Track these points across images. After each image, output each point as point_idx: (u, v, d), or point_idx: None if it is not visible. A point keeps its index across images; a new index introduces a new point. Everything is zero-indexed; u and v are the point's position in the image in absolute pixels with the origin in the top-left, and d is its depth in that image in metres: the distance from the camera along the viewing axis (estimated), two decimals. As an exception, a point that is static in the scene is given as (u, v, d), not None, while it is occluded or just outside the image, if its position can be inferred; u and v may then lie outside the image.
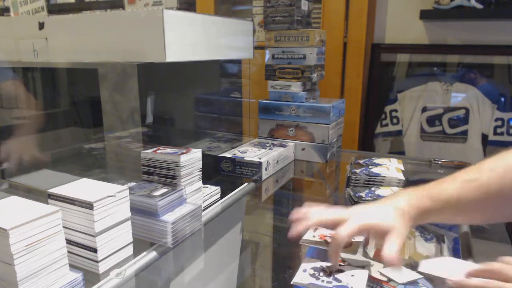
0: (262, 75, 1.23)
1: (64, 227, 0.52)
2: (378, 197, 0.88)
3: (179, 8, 1.82)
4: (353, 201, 0.88)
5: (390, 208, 0.60)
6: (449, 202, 0.60)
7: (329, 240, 0.74)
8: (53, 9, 2.22)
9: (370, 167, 1.06)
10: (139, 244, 0.65)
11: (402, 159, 1.16)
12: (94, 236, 0.57)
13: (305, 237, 0.74)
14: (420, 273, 0.62)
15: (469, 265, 0.58)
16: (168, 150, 0.75)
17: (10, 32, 0.91)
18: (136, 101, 0.78)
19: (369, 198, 0.88)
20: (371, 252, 0.74)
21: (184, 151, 0.74)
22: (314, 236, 0.75)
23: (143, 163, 0.75)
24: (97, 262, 0.58)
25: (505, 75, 1.51)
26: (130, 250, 0.63)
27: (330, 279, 0.60)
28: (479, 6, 1.36)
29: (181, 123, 1.02)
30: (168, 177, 0.73)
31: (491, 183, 0.58)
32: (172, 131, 0.98)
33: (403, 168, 1.06)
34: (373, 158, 1.15)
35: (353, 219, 0.60)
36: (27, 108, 1.02)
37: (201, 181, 0.77)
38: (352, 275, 0.61)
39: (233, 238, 0.86)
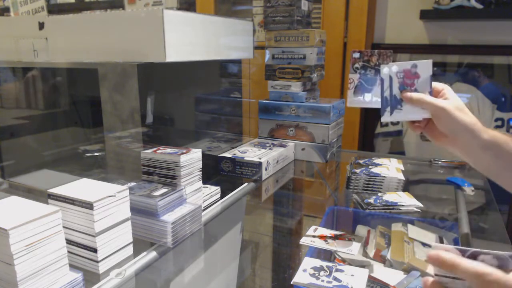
0: (262, 75, 1.23)
1: (64, 227, 0.52)
2: (387, 202, 0.88)
3: (179, 8, 1.82)
4: (363, 207, 0.88)
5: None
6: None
7: (329, 240, 0.74)
8: (53, 9, 2.22)
9: (370, 167, 1.06)
10: (139, 244, 0.65)
11: (402, 159, 1.16)
12: (94, 236, 0.57)
13: (305, 237, 0.74)
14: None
15: None
16: (168, 150, 0.75)
17: (10, 32, 0.91)
18: (136, 101, 0.78)
19: (378, 204, 0.88)
20: (371, 252, 0.74)
21: (184, 151, 0.74)
22: (314, 236, 0.75)
23: (143, 163, 0.75)
24: (97, 262, 0.58)
25: (505, 75, 1.51)
26: (130, 250, 0.63)
27: (330, 278, 0.60)
28: (479, 6, 1.36)
29: (181, 123, 1.02)
30: (168, 177, 0.73)
31: None
32: (172, 131, 0.98)
33: (403, 168, 1.06)
34: (373, 158, 1.15)
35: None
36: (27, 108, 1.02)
37: (201, 181, 0.77)
38: (352, 275, 0.61)
39: (233, 238, 0.86)
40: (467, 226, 0.79)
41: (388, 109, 0.68)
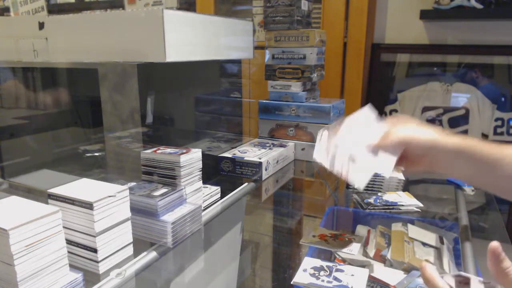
0: (262, 75, 1.23)
1: (64, 227, 0.52)
2: (387, 202, 0.88)
3: (179, 8, 1.82)
4: (363, 207, 0.88)
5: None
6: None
7: (329, 240, 0.74)
8: (53, 9, 2.22)
9: (370, 167, 1.06)
10: (139, 244, 0.65)
11: (402, 159, 1.16)
12: (94, 236, 0.57)
13: (305, 237, 0.74)
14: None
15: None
16: (168, 150, 0.75)
17: (10, 32, 0.91)
18: (136, 101, 0.78)
19: (378, 204, 0.88)
20: (371, 252, 0.74)
21: (184, 151, 0.74)
22: (314, 236, 0.75)
23: (143, 163, 0.75)
24: (97, 262, 0.58)
25: (505, 75, 1.51)
26: (130, 250, 0.63)
27: (330, 278, 0.60)
28: (479, 6, 1.36)
29: (181, 123, 1.02)
30: (168, 177, 0.73)
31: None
32: (172, 131, 0.98)
33: (403, 168, 1.06)
34: (373, 158, 1.15)
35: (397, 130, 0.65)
36: (27, 108, 1.02)
37: (201, 181, 0.77)
38: (352, 275, 0.61)
39: (233, 238, 0.86)
40: (467, 226, 0.79)
41: (379, 166, 0.65)
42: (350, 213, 0.93)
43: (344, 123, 0.68)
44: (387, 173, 0.64)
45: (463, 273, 0.45)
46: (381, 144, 0.65)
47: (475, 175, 0.64)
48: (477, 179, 0.65)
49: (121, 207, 0.60)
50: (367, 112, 0.69)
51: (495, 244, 0.42)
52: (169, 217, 0.66)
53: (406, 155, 0.66)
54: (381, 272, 0.68)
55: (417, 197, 0.92)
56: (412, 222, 0.83)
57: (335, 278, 0.60)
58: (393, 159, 0.65)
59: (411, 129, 0.64)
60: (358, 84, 1.55)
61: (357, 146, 0.65)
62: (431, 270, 0.46)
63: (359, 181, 0.61)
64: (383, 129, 0.66)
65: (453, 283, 0.45)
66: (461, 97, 1.53)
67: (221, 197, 0.87)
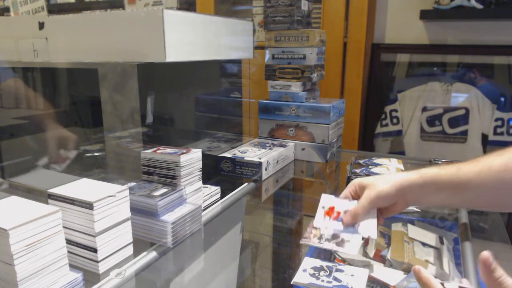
0: (262, 75, 1.23)
1: (64, 227, 0.52)
2: None
3: (179, 8, 1.82)
4: None
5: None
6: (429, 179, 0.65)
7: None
8: (53, 9, 2.22)
9: (370, 167, 1.06)
10: (139, 244, 0.65)
11: (402, 159, 1.16)
12: (94, 236, 0.57)
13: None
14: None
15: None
16: (168, 150, 0.75)
17: (10, 32, 0.91)
18: (136, 101, 0.78)
19: None
20: (371, 252, 0.74)
21: (184, 151, 0.74)
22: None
23: (143, 163, 0.75)
24: (97, 262, 0.58)
25: (505, 75, 1.51)
26: (130, 250, 0.63)
27: (330, 278, 0.60)
28: (479, 6, 1.36)
29: (181, 123, 1.02)
30: (168, 177, 0.73)
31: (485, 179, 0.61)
32: (172, 131, 0.98)
33: (403, 168, 1.06)
34: (373, 158, 1.15)
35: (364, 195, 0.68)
36: (27, 108, 1.02)
37: (201, 181, 0.77)
38: (352, 275, 0.61)
39: (233, 238, 0.86)
40: (467, 227, 0.79)
41: (364, 232, 0.67)
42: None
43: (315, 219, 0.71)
44: (373, 235, 0.65)
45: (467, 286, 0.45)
46: (354, 216, 0.67)
47: (449, 199, 0.66)
48: (451, 202, 0.68)
49: (121, 207, 0.60)
50: (326, 197, 0.75)
51: (485, 254, 0.42)
52: (169, 217, 0.66)
53: (380, 209, 0.68)
54: (381, 272, 0.68)
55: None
56: (412, 222, 0.83)
57: (335, 278, 0.60)
58: (373, 222, 0.67)
59: (373, 187, 0.67)
60: (358, 84, 1.55)
61: (335, 225, 0.69)
62: (426, 273, 0.46)
63: (352, 251, 0.64)
64: (348, 202, 0.70)
65: None
66: (461, 97, 1.53)
67: (221, 197, 0.87)
